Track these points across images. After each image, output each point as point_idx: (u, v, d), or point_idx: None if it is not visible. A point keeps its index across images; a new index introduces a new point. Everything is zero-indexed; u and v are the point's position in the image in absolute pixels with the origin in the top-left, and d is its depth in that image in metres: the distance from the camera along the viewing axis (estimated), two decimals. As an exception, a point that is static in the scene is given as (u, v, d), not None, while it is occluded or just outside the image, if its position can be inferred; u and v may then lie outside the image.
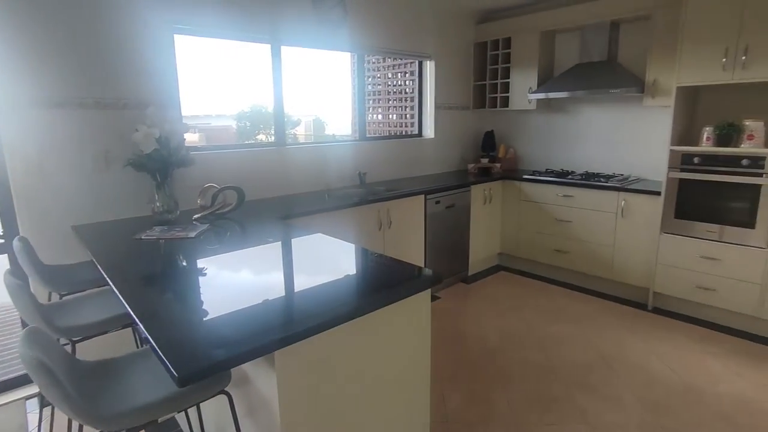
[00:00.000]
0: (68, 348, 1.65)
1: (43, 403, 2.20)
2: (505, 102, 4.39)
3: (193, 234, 2.12)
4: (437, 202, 3.62)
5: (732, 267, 2.98)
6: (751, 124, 2.90)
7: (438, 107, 4.38)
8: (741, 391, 2.38)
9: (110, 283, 1.55)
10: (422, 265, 3.59)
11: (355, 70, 3.91)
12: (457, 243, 3.89)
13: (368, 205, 3.11)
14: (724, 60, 2.85)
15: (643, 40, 3.55)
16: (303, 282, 1.58)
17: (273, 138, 3.43)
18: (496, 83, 4.45)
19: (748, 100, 3.13)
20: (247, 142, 3.93)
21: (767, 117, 2.92)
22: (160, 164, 2.38)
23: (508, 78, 4.32)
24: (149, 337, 1.15)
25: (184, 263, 1.81)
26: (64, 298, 2.03)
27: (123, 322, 1.81)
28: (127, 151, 2.42)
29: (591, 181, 3.69)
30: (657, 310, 3.37)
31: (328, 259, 1.88)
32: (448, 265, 3.84)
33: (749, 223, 2.89)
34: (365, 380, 1.42)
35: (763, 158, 2.80)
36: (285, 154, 3.33)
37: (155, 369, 1.36)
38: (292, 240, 2.16)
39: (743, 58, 2.78)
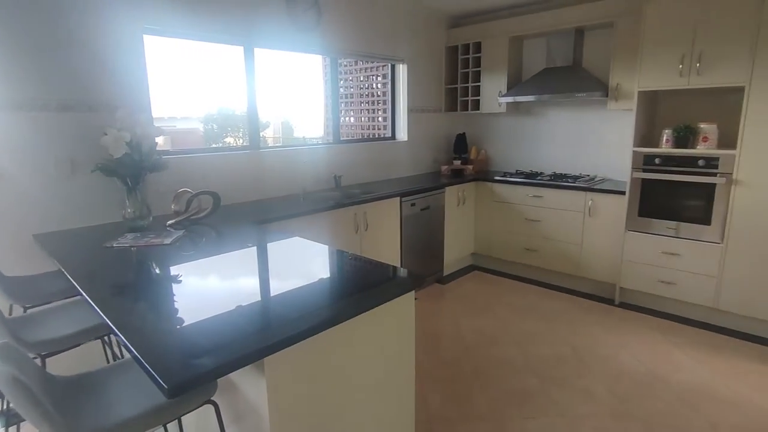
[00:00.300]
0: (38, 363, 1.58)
1: (8, 422, 2.08)
2: (476, 105, 4.49)
3: (168, 240, 2.07)
4: (412, 204, 3.65)
5: (690, 261, 3.15)
6: (705, 127, 3.08)
7: (411, 110, 4.43)
8: (702, 379, 2.52)
9: (84, 294, 1.49)
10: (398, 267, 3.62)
11: (328, 73, 3.90)
12: (432, 244, 3.94)
13: (345, 208, 3.11)
14: (680, 66, 3.02)
15: (607, 47, 3.72)
16: (288, 286, 1.57)
17: (243, 141, 3.39)
18: (467, 87, 4.54)
19: (702, 104, 3.33)
20: (215, 145, 3.85)
21: (720, 120, 3.12)
22: (132, 169, 2.30)
23: (479, 82, 4.42)
24: (132, 348, 1.12)
25: (162, 271, 1.77)
26: (29, 311, 1.93)
27: (95, 334, 1.75)
28: (94, 155, 2.33)
29: (559, 181, 3.82)
30: (623, 305, 3.53)
31: (311, 263, 1.88)
32: (423, 266, 3.88)
33: (705, 219, 3.07)
34: (353, 382, 1.42)
35: (716, 159, 2.98)
36: (259, 158, 3.29)
37: (136, 382, 1.32)
38: (272, 244, 2.14)
39: (698, 65, 2.95)
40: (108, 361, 2.14)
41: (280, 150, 3.49)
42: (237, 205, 3.07)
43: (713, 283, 3.08)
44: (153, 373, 1.01)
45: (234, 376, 1.36)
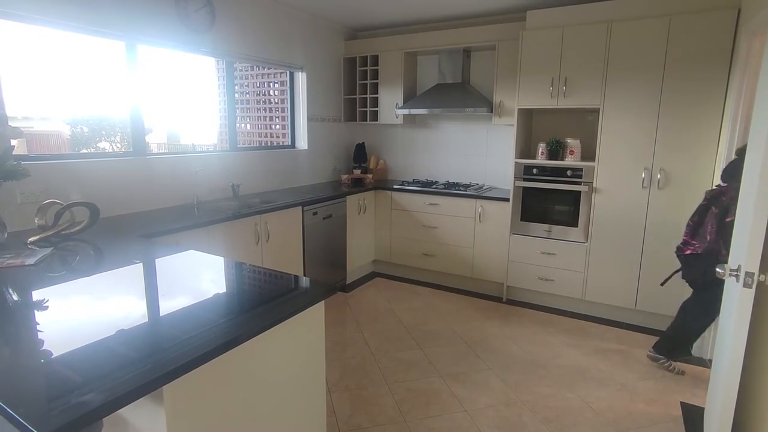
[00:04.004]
0: None
1: None
2: (375, 116, 4.61)
3: (31, 260, 1.77)
4: (315, 213, 3.62)
5: (563, 259, 3.59)
6: (571, 142, 3.55)
7: (310, 119, 4.40)
8: (576, 362, 2.87)
9: None
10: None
11: (223, 77, 3.70)
12: (335, 253, 3.94)
13: (245, 218, 2.97)
14: (551, 88, 3.44)
15: (491, 67, 4.08)
16: (187, 305, 1.45)
17: (121, 146, 3.06)
18: (366, 98, 4.65)
19: (568, 121, 3.82)
20: (85, 150, 3.41)
21: (582, 135, 3.61)
22: (-22, 177, 1.94)
23: (377, 93, 4.56)
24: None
25: (22, 297, 1.51)
26: None
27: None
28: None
29: (452, 189, 4.08)
30: (510, 301, 3.88)
31: (211, 278, 1.76)
32: (327, 276, 3.86)
33: (573, 222, 3.53)
34: (263, 401, 1.36)
35: (581, 170, 3.44)
36: (146, 165, 2.99)
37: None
38: (163, 259, 1.96)
39: (564, 88, 3.40)
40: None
41: (170, 157, 3.21)
42: (120, 217, 2.75)
43: (581, 278, 3.54)
44: (19, 419, 0.86)
45: (124, 410, 1.21)
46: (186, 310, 1.40)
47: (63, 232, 2.10)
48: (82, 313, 1.40)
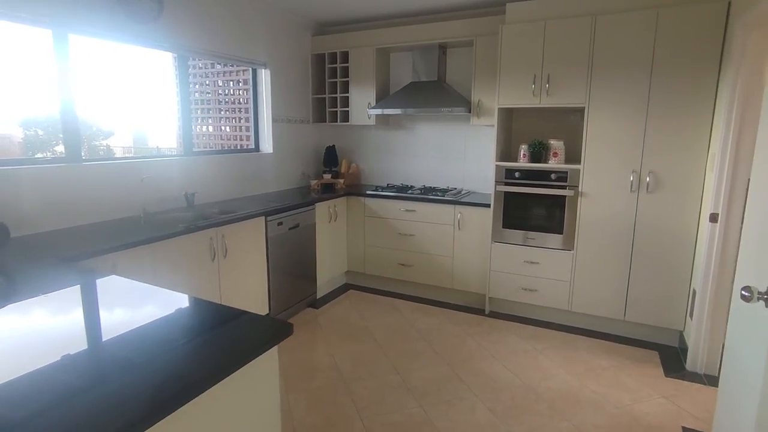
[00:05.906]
0: None
1: None
2: (346, 116, 4.32)
3: None
4: (280, 224, 3.29)
5: (548, 268, 3.37)
6: (554, 143, 3.34)
7: (276, 120, 4.07)
8: (566, 384, 2.64)
9: None
10: (266, 296, 3.21)
11: (177, 75, 3.33)
12: (303, 266, 3.62)
13: (198, 232, 2.61)
14: (533, 86, 3.22)
15: (468, 64, 3.85)
16: (95, 355, 1.11)
17: (86, 152, 2.68)
18: (336, 97, 4.35)
19: (551, 121, 3.61)
20: (40, 155, 3.00)
21: (566, 136, 3.41)
22: None
23: (348, 92, 4.26)
24: None
25: None
26: None
27: None
28: None
29: (429, 195, 3.82)
30: (493, 314, 3.64)
31: (123, 318, 1.42)
32: (295, 291, 3.53)
33: (558, 229, 3.32)
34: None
35: (565, 173, 3.24)
36: (81, 173, 2.61)
37: None
38: (71, 291, 1.60)
39: (547, 86, 3.18)
40: None
41: (111, 163, 2.83)
42: (45, 235, 2.36)
43: (567, 288, 3.33)
44: None
45: None
46: (98, 364, 1.07)
47: (-42, 258, 1.72)
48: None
